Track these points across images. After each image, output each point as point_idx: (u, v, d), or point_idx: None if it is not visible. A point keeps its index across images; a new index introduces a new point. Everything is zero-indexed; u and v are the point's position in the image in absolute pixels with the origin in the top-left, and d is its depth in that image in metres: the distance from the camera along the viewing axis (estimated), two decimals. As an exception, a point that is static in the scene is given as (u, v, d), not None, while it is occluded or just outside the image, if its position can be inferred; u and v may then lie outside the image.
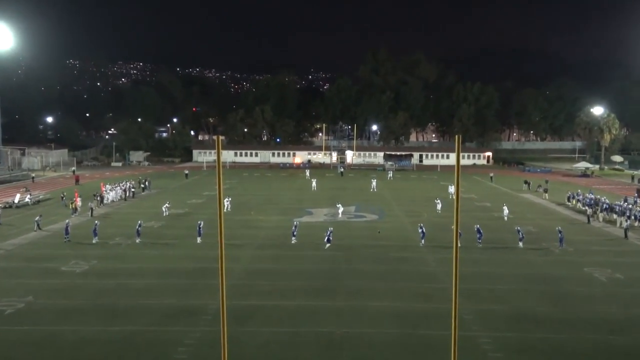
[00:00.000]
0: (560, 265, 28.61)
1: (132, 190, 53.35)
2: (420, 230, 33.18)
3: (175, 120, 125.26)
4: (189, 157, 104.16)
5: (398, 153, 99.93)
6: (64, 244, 32.31)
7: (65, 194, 49.66)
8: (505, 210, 42.33)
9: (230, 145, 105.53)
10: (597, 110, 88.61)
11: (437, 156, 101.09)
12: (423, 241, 32.58)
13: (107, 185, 52.05)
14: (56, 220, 39.53)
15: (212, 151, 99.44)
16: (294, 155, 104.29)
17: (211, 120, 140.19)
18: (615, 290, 24.35)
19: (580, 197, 47.77)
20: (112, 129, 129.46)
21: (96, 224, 34.00)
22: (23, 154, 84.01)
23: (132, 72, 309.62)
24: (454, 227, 11.47)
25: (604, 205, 42.38)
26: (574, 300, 22.96)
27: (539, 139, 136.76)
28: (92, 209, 42.77)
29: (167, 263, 28.37)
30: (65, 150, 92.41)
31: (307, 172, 74.75)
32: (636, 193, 51.82)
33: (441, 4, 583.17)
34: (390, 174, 75.59)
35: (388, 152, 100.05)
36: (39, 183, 64.73)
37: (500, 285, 24.89)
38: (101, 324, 19.97)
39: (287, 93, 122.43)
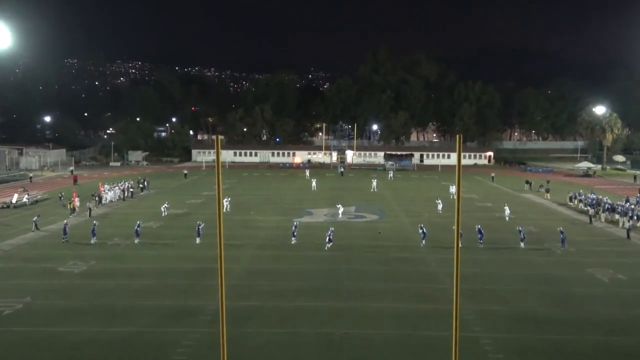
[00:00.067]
0: (562, 265, 28.48)
1: (131, 190, 53.16)
2: (420, 231, 33.00)
3: (174, 119, 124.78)
4: (188, 156, 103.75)
5: (398, 153, 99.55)
6: (62, 244, 32.17)
7: (63, 194, 49.46)
8: (507, 211, 42.17)
9: (229, 144, 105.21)
10: (600, 110, 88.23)
11: (438, 156, 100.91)
12: (424, 241, 32.41)
13: (106, 185, 51.90)
14: (54, 221, 39.36)
15: (212, 151, 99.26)
16: (293, 155, 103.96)
17: (210, 120, 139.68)
18: (617, 291, 24.22)
19: (582, 197, 47.65)
20: (111, 129, 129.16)
21: (94, 224, 33.88)
22: (21, 154, 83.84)
23: (130, 71, 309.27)
24: (454, 227, 11.33)
25: (606, 206, 42.25)
26: (576, 301, 22.84)
27: (540, 138, 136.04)
28: (90, 209, 42.64)
29: (166, 263, 28.25)
30: (64, 150, 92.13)
31: (307, 172, 74.57)
32: (638, 193, 51.63)
33: (441, 4, 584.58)
34: (391, 174, 75.28)
35: (388, 152, 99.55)
36: (37, 183, 64.58)
37: (501, 286, 24.76)
38: (100, 325, 19.85)
39: (286, 92, 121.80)
